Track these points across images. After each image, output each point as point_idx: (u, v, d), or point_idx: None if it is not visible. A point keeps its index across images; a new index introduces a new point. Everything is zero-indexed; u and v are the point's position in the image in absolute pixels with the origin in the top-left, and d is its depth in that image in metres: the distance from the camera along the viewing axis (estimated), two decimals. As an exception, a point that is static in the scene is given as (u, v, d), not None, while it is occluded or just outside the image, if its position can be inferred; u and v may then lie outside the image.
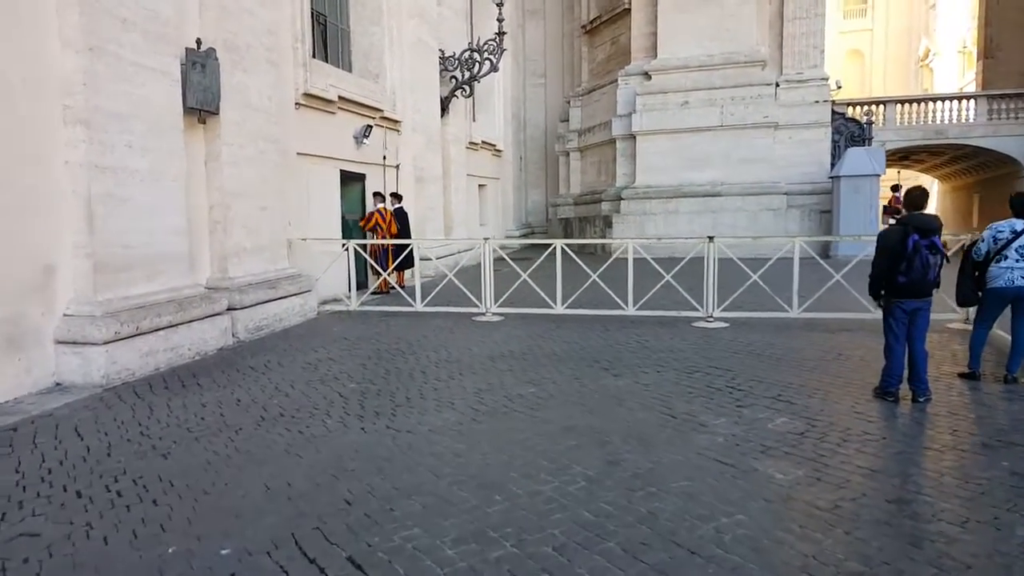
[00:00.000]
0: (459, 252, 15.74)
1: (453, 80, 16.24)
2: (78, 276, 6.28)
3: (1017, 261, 5.62)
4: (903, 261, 5.07)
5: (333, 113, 11.43)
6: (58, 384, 6.21)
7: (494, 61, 15.86)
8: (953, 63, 38.74)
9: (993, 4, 25.33)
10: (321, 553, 3.17)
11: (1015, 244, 5.62)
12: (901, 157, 24.45)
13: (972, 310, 7.57)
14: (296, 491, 3.88)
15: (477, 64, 16.04)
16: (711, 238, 9.03)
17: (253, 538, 3.33)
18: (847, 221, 17.10)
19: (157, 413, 5.42)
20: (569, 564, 3.04)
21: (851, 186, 17.21)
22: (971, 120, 21.55)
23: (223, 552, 3.20)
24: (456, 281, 10.32)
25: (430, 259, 12.83)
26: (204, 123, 7.96)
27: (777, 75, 19.40)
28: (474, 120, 19.52)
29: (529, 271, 9.71)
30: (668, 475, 4.01)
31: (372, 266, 11.93)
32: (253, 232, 8.70)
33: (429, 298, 10.15)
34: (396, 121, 13.85)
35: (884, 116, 22.25)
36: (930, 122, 22.16)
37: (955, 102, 22.29)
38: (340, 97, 11.38)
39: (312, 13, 11.29)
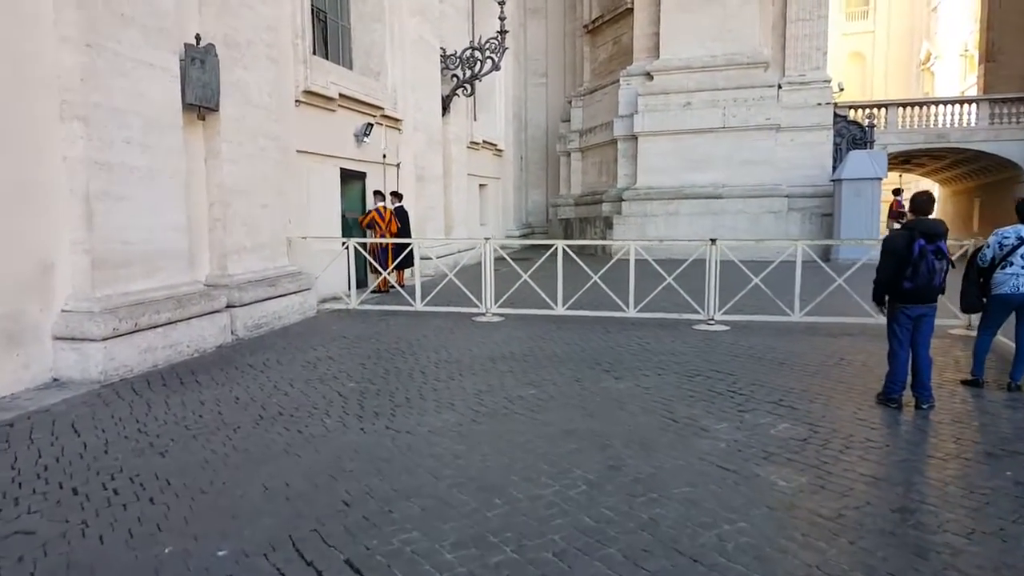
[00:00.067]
0: (459, 252, 15.70)
1: (454, 79, 16.19)
2: (76, 272, 6.24)
3: (1023, 268, 5.58)
4: (909, 266, 5.03)
5: (334, 111, 11.38)
6: (56, 380, 6.17)
7: (496, 60, 15.80)
8: (954, 67, 38.74)
9: (995, 8, 25.31)
10: (319, 556, 3.13)
11: (1021, 250, 5.58)
12: (902, 161, 24.44)
13: (974, 316, 7.57)
14: (294, 491, 3.84)
15: (479, 63, 15.99)
16: (713, 240, 9.00)
17: (250, 539, 3.29)
18: (848, 224, 17.07)
19: (155, 410, 5.38)
20: (570, 571, 3.01)
21: (853, 189, 17.18)
22: (973, 124, 21.54)
23: (220, 553, 3.16)
24: (456, 281, 10.28)
25: (430, 258, 12.80)
26: (204, 120, 7.91)
27: (779, 77, 19.36)
28: (475, 119, 19.48)
29: (530, 272, 9.67)
30: (670, 480, 3.98)
31: (372, 265, 11.89)
32: (253, 230, 8.66)
33: (429, 298, 10.11)
34: (397, 119, 13.80)
35: (886, 119, 22.24)
36: (932, 126, 22.14)
37: (957, 106, 22.29)
38: (341, 95, 11.34)
39: (313, 10, 11.24)
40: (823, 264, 9.63)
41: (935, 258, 5.01)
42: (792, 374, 6.46)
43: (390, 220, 12.15)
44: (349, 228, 12.31)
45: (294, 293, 9.32)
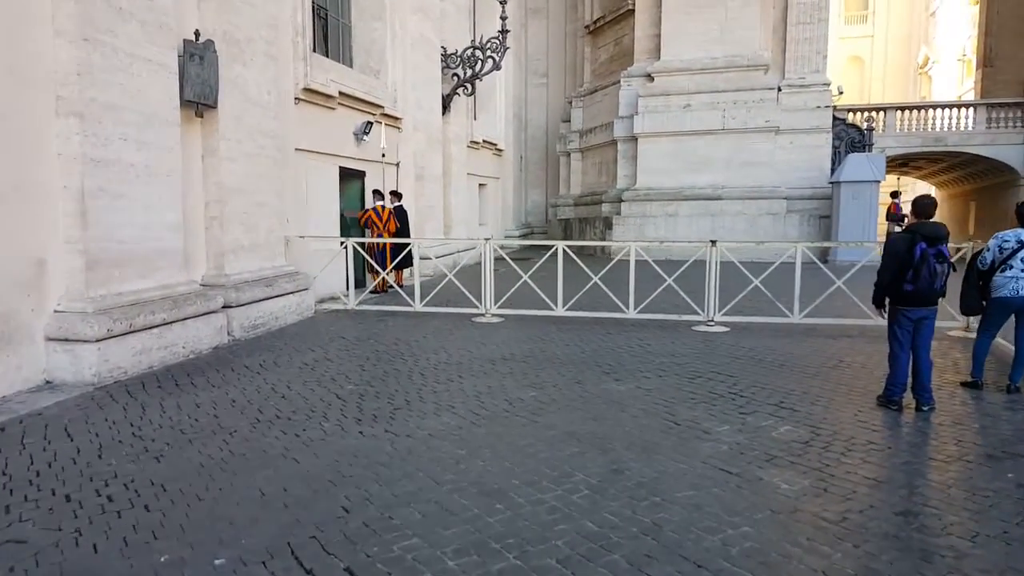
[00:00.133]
0: (458, 252, 15.65)
1: (455, 78, 16.14)
2: (70, 272, 6.16)
3: (1023, 271, 5.55)
4: (910, 269, 5.01)
5: (333, 109, 11.33)
6: (48, 382, 6.09)
7: (497, 59, 15.76)
8: (952, 71, 38.79)
9: (993, 13, 25.35)
10: (318, 564, 3.08)
11: (1021, 254, 5.56)
12: (900, 164, 24.46)
13: (972, 318, 7.55)
14: (292, 497, 3.79)
15: (479, 62, 15.94)
16: (713, 242, 8.96)
17: (248, 547, 3.24)
18: (846, 226, 17.09)
19: (150, 414, 5.31)
20: (573, 577, 2.96)
21: (851, 192, 17.19)
22: (970, 128, 21.56)
23: (217, 562, 3.10)
24: (456, 281, 10.23)
25: (429, 258, 12.74)
26: (201, 117, 7.85)
27: (779, 79, 19.36)
28: (475, 119, 19.43)
29: (530, 272, 9.63)
30: (673, 484, 3.93)
31: (370, 264, 11.83)
32: (250, 229, 8.60)
33: (428, 298, 10.06)
34: (397, 118, 13.74)
35: (884, 123, 22.25)
36: (930, 129, 22.16)
37: (955, 110, 22.31)
38: (340, 93, 11.28)
39: (313, 7, 11.17)
40: (822, 266, 9.61)
41: (936, 261, 4.98)
42: (792, 376, 6.42)
43: (388, 219, 12.09)
44: (348, 227, 12.26)
45: (292, 293, 9.26)
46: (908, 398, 5.34)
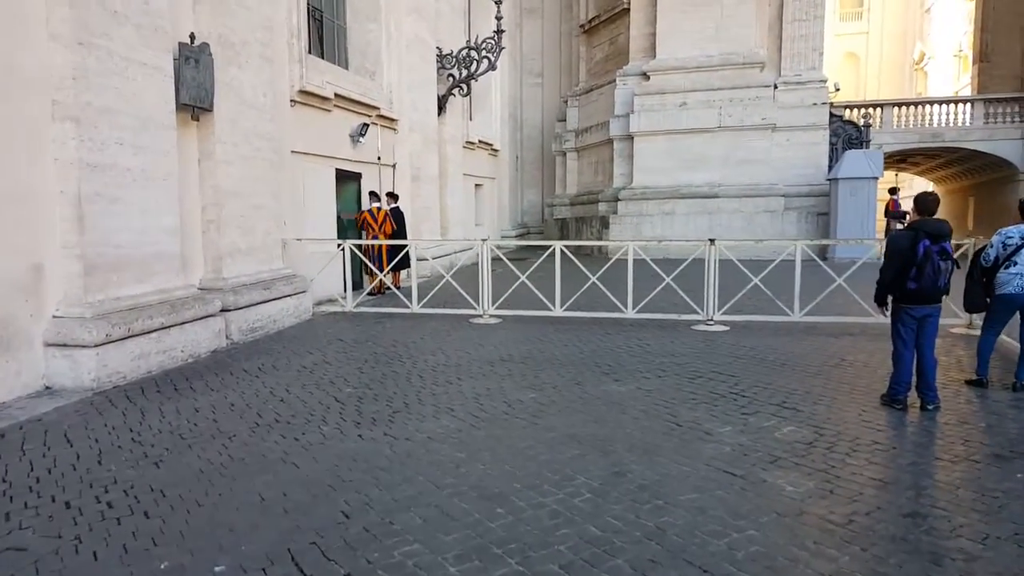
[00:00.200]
0: (455, 252, 15.61)
1: (450, 78, 16.11)
2: (67, 277, 6.11)
3: (1027, 267, 5.54)
4: (913, 267, 4.98)
5: (329, 111, 11.28)
6: (48, 388, 6.05)
7: (492, 59, 15.74)
8: (948, 67, 38.85)
9: (989, 9, 25.38)
10: (319, 570, 3.04)
11: (1024, 250, 5.54)
12: (898, 160, 24.50)
13: (975, 315, 7.54)
14: (292, 503, 3.75)
15: (475, 62, 15.91)
16: (712, 241, 8.93)
17: (248, 553, 3.20)
18: (845, 223, 17.07)
19: (149, 419, 5.27)
20: (578, 583, 2.93)
21: (849, 188, 17.18)
22: (968, 124, 21.59)
23: (217, 569, 3.06)
24: (453, 282, 10.20)
25: (426, 259, 12.70)
26: (198, 120, 7.80)
27: (775, 77, 19.34)
28: (471, 119, 19.39)
29: (527, 273, 9.59)
30: (676, 487, 3.90)
31: (367, 266, 11.79)
32: (247, 232, 8.55)
33: (426, 300, 10.03)
34: (393, 119, 13.70)
35: (881, 119, 22.27)
36: (927, 125, 22.19)
37: (952, 106, 22.34)
38: (336, 95, 11.24)
39: (308, 9, 11.13)
40: (821, 263, 9.58)
41: (940, 258, 4.95)
42: (794, 375, 6.40)
43: (383, 221, 12.04)
44: (345, 229, 12.21)
45: (289, 296, 9.22)
46: (912, 397, 5.31)
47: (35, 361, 5.98)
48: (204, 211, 8.04)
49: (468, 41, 16.54)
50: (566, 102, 24.21)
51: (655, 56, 19.94)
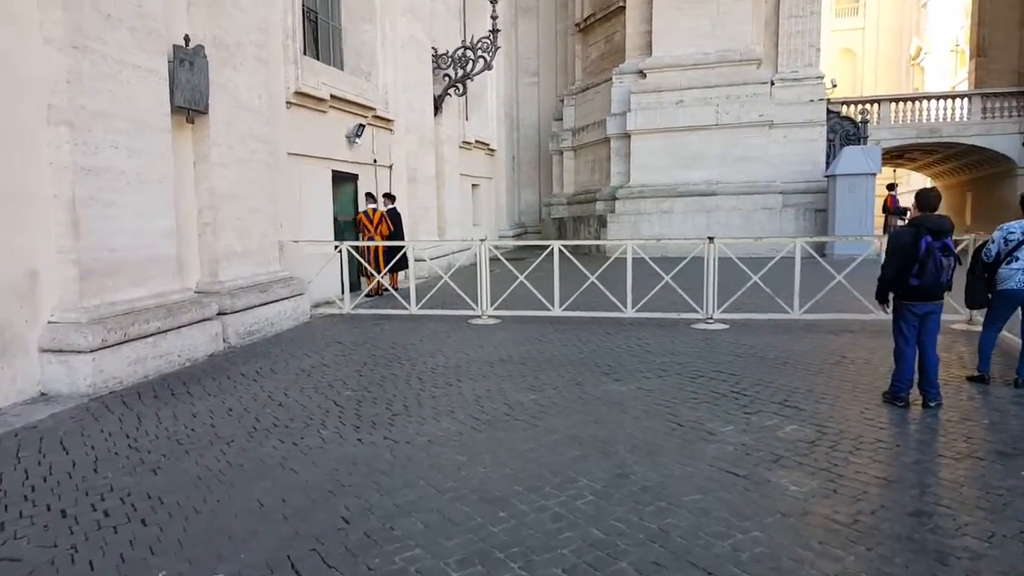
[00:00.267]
0: (453, 253, 15.57)
1: (446, 78, 16.06)
2: (63, 282, 6.07)
3: (1028, 263, 5.51)
4: (915, 263, 4.94)
5: (325, 112, 11.24)
6: (43, 394, 6.01)
7: (488, 59, 15.69)
8: (945, 62, 38.85)
9: (986, 3, 25.35)
10: (319, 578, 3.01)
11: (1026, 245, 5.50)
12: (895, 156, 24.48)
13: (975, 311, 7.51)
14: (291, 508, 3.71)
15: (470, 62, 15.87)
16: (711, 239, 8.90)
17: (247, 561, 3.16)
18: (843, 220, 17.05)
19: (146, 424, 5.23)
20: (581, 588, 2.90)
21: (847, 185, 17.16)
22: (965, 119, 21.58)
23: (215, 577, 3.03)
24: (451, 283, 10.16)
25: (424, 260, 12.66)
26: (192, 123, 7.76)
27: (772, 73, 19.31)
28: (467, 119, 19.35)
29: (526, 273, 9.55)
30: (679, 488, 3.87)
31: (364, 268, 11.74)
32: (244, 234, 8.51)
33: (424, 301, 9.99)
34: (389, 120, 13.66)
35: (878, 115, 22.25)
36: (924, 121, 22.18)
37: (949, 101, 22.32)
38: (332, 96, 11.20)
39: (303, 10, 11.09)
40: (820, 260, 9.55)
41: (942, 255, 4.92)
42: (795, 373, 6.37)
43: (379, 223, 11.99)
44: (342, 231, 12.17)
45: (287, 299, 9.18)
46: (914, 394, 5.28)
47: (30, 367, 5.94)
48: (200, 214, 7.99)
49: (463, 41, 16.50)
50: (562, 101, 24.17)
51: (651, 54, 19.91)
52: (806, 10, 19.14)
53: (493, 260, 9.98)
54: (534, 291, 9.47)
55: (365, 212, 12.01)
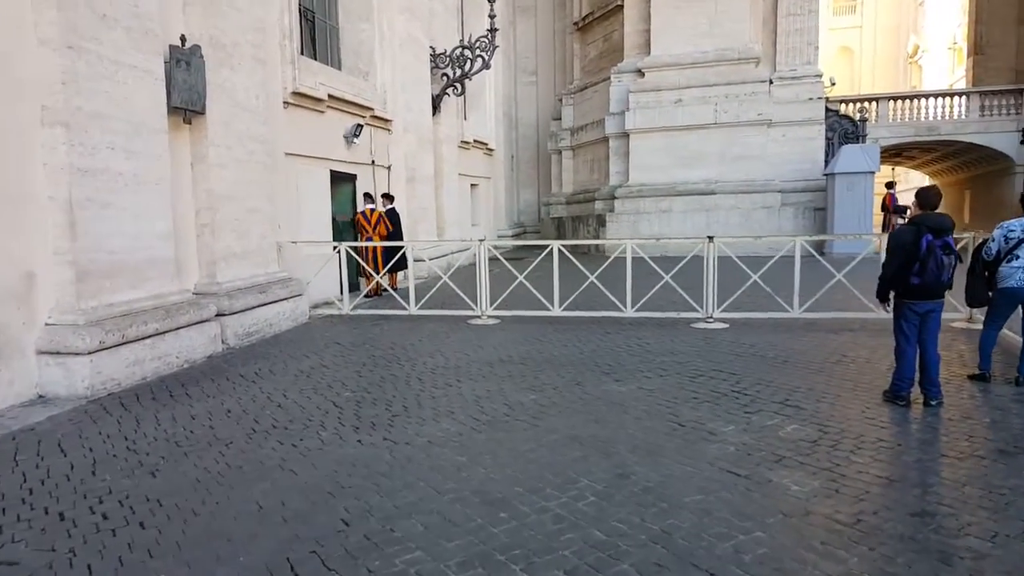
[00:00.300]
0: (452, 253, 15.54)
1: (444, 78, 16.02)
2: (60, 284, 6.04)
3: (1029, 261, 5.49)
4: (916, 262, 4.92)
5: (322, 112, 11.20)
6: (41, 396, 5.98)
7: (486, 58, 15.65)
8: (942, 60, 38.85)
9: (984, 1, 25.35)
10: (319, 581, 2.99)
11: (1027, 243, 5.49)
12: (893, 154, 24.47)
13: (975, 309, 7.50)
14: (291, 511, 3.69)
15: (469, 61, 15.83)
16: (711, 238, 8.88)
17: (246, 564, 3.14)
18: (842, 218, 17.04)
19: (144, 426, 5.20)
20: (583, 590, 2.88)
21: (845, 183, 17.14)
22: (964, 117, 21.57)
23: (214, 581, 3.01)
24: (450, 283, 10.13)
25: (423, 260, 12.63)
26: (190, 123, 7.73)
27: (771, 72, 19.29)
28: (466, 119, 19.32)
29: (525, 272, 9.53)
30: (680, 488, 3.85)
31: (363, 268, 11.72)
32: (242, 235, 8.48)
33: (423, 301, 9.96)
34: (387, 120, 13.63)
35: (877, 113, 22.24)
36: (923, 119, 22.17)
37: (948, 99, 22.31)
38: (330, 95, 11.16)
39: (300, 9, 11.05)
40: (820, 258, 9.53)
41: (943, 253, 4.90)
42: (796, 372, 6.35)
43: (377, 223, 11.96)
44: (340, 231, 12.14)
45: (285, 299, 9.15)
46: (915, 393, 5.27)
47: (28, 369, 5.91)
48: (198, 215, 7.97)
49: (461, 40, 16.45)
50: (561, 100, 24.14)
51: (649, 53, 19.89)
52: (804, 8, 19.12)
53: (492, 260, 9.96)
54: (533, 291, 9.45)
55: (363, 212, 11.99)
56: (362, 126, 12.29)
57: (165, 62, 7.15)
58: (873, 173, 17.29)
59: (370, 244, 11.49)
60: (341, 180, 12.24)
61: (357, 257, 10.83)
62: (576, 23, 23.62)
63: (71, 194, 5.97)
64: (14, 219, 5.74)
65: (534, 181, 25.78)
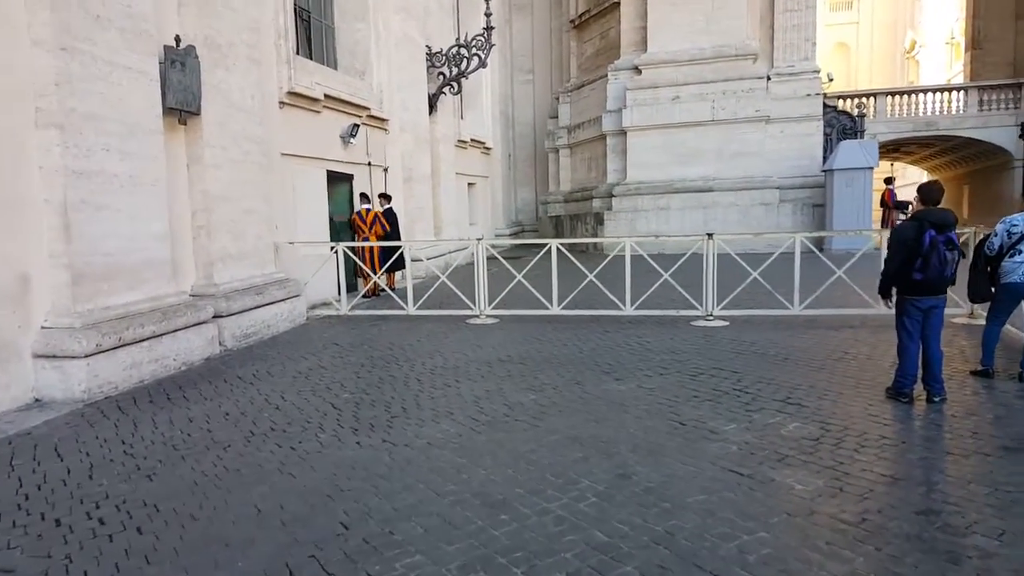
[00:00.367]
0: (450, 252, 15.49)
1: (441, 77, 15.97)
2: (55, 287, 5.99)
3: (1031, 255, 5.46)
4: (919, 258, 4.88)
5: (319, 112, 11.15)
6: (38, 400, 5.94)
7: (482, 57, 15.60)
8: (940, 55, 38.85)
9: (980, -5, 25.36)
10: (318, 586, 2.95)
11: (1029, 238, 5.45)
12: (891, 149, 24.45)
13: (976, 304, 7.46)
14: (289, 514, 3.65)
15: (465, 60, 15.78)
16: (710, 235, 8.83)
17: (245, 569, 3.10)
18: (841, 215, 16.99)
19: (141, 430, 5.16)
20: (586, 593, 2.84)
21: (844, 179, 17.09)
22: (962, 111, 21.56)
23: (212, 588, 2.97)
24: (448, 283, 10.09)
25: (421, 260, 12.58)
26: (185, 124, 7.68)
27: (768, 68, 19.24)
28: (462, 118, 19.26)
29: (524, 272, 9.49)
30: (683, 489, 3.81)
31: (361, 269, 11.67)
32: (238, 236, 8.43)
33: (421, 301, 9.92)
34: (383, 120, 13.57)
35: (875, 108, 22.21)
36: (921, 114, 22.15)
37: (946, 94, 22.29)
38: (326, 95, 11.11)
39: (295, 9, 11.00)
40: (820, 255, 9.49)
41: (946, 249, 4.86)
42: (797, 370, 6.31)
43: (372, 223, 11.90)
44: (338, 232, 12.09)
45: (283, 300, 9.10)
46: (918, 389, 5.23)
47: (24, 373, 5.87)
48: (194, 216, 7.92)
49: (458, 39, 16.39)
50: (557, 98, 24.08)
51: (646, 50, 19.82)
52: (801, 4, 19.07)
53: (490, 259, 9.92)
54: (532, 290, 9.40)
55: (359, 212, 11.94)
56: (358, 126, 12.24)
57: (160, 63, 7.10)
58: (872, 169, 17.25)
59: (367, 244, 11.44)
60: (338, 180, 12.20)
61: (354, 257, 10.78)
62: (572, 21, 23.56)
63: (66, 196, 5.93)
64: (9, 222, 5.70)
65: (531, 180, 25.71)
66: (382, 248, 11.43)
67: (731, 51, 19.01)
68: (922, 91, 23.00)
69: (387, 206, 12.50)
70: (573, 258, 9.60)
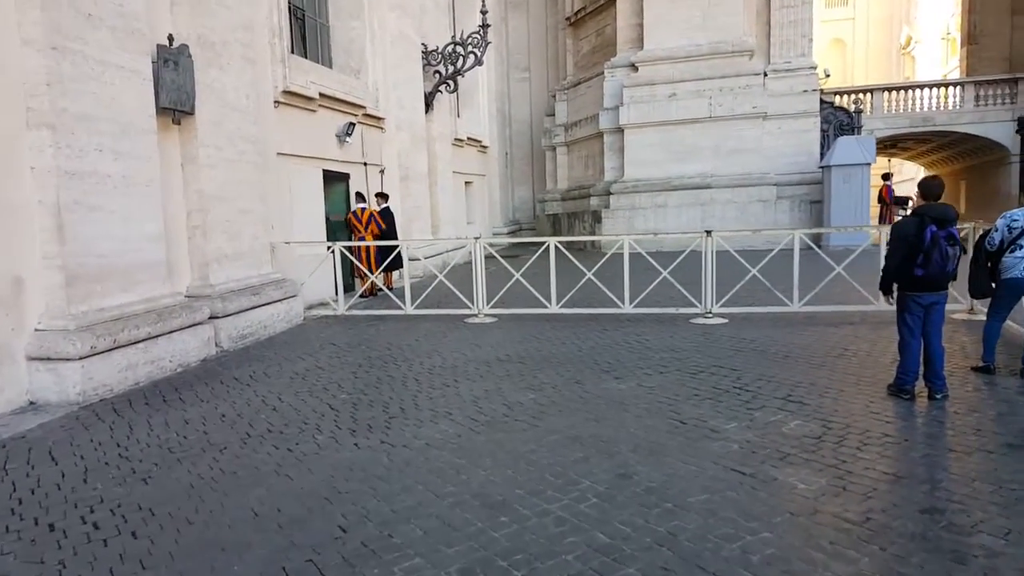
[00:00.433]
0: (448, 251, 15.45)
1: (437, 75, 15.91)
2: (49, 288, 5.94)
3: (1032, 251, 5.42)
4: (920, 254, 4.85)
5: (314, 111, 11.09)
6: (32, 403, 5.88)
7: (478, 54, 15.55)
8: (936, 50, 38.88)
9: (976, -10, 25.34)
10: (316, 591, 2.90)
11: (1030, 233, 5.42)
12: (888, 145, 24.44)
13: (976, 300, 7.43)
14: (286, 517, 3.60)
15: (461, 58, 15.72)
16: (708, 232, 8.79)
17: (241, 573, 3.06)
18: (838, 211, 16.97)
19: (137, 432, 5.11)
20: (588, 596, 2.80)
21: (842, 175, 17.07)
22: (959, 107, 21.54)
23: (208, 593, 2.92)
24: (446, 282, 10.04)
25: (419, 259, 12.53)
26: (179, 124, 7.62)
27: (765, 65, 19.20)
28: (459, 116, 19.21)
29: (522, 270, 9.45)
30: (684, 488, 3.77)
31: (358, 268, 11.61)
32: (234, 237, 8.37)
33: (419, 300, 9.87)
34: (379, 118, 13.51)
35: (871, 104, 22.19)
36: (918, 110, 22.13)
37: (942, 89, 22.28)
38: (321, 94, 11.05)
39: (290, 7, 10.93)
40: (819, 251, 9.45)
41: (947, 244, 4.82)
42: (797, 367, 6.28)
43: (368, 222, 11.84)
44: (334, 231, 12.03)
45: (279, 301, 9.05)
46: (920, 386, 5.20)
47: (18, 376, 5.81)
48: (189, 217, 7.86)
49: (453, 37, 16.34)
50: (554, 96, 24.02)
51: (643, 47, 19.76)
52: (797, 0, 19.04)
53: (488, 258, 9.88)
54: (530, 288, 9.36)
55: (354, 212, 11.88)
56: (354, 125, 12.18)
57: (152, 62, 7.04)
58: (869, 165, 17.22)
59: (363, 244, 11.38)
60: (334, 179, 12.14)
61: (351, 257, 10.73)
62: (568, 18, 23.51)
63: (59, 197, 5.87)
64: (2, 224, 5.63)
65: (529, 178, 25.66)
66: (379, 247, 11.37)
67: (728, 47, 18.97)
68: (919, 87, 22.99)
69: (384, 205, 12.45)
70: (571, 256, 9.56)
